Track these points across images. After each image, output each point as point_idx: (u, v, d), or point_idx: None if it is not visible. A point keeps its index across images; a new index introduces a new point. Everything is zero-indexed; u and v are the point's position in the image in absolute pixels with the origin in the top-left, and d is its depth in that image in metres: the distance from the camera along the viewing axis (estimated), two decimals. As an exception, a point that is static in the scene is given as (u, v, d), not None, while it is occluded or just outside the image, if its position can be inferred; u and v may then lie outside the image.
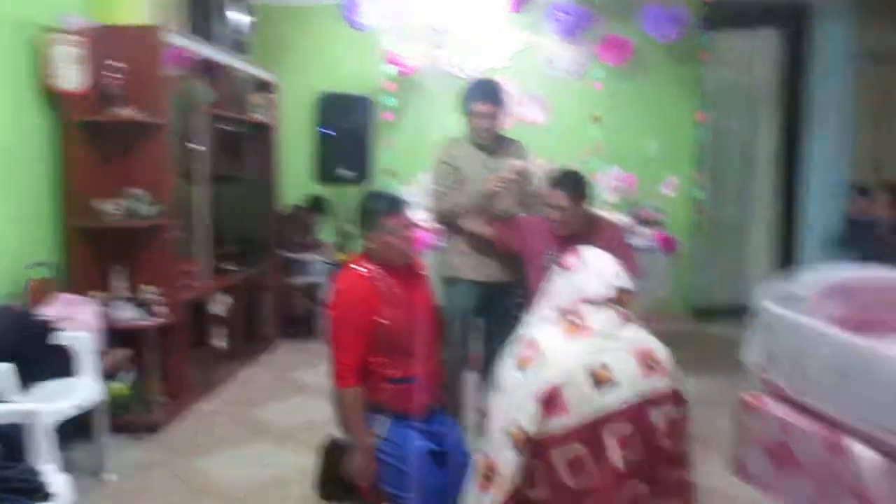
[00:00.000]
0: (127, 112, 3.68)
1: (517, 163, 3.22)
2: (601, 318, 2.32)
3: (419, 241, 4.67)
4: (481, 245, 3.33)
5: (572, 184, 3.15)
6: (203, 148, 4.26)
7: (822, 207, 5.85)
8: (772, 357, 1.39)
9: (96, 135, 3.76)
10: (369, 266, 2.69)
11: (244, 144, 5.43)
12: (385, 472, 2.65)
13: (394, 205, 2.72)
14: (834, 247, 4.86)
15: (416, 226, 2.73)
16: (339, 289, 2.69)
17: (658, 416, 2.16)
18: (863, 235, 4.49)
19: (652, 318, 2.55)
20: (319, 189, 5.58)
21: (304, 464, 3.21)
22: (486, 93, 3.34)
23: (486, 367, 3.47)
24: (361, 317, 2.60)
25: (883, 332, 1.35)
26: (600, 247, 3.11)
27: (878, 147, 5.76)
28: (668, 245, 4.64)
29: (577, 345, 2.25)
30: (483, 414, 2.81)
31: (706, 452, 3.20)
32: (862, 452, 1.23)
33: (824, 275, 1.44)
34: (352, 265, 2.74)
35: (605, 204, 5.08)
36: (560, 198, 3.10)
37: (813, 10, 5.88)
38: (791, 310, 1.42)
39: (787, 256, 6.27)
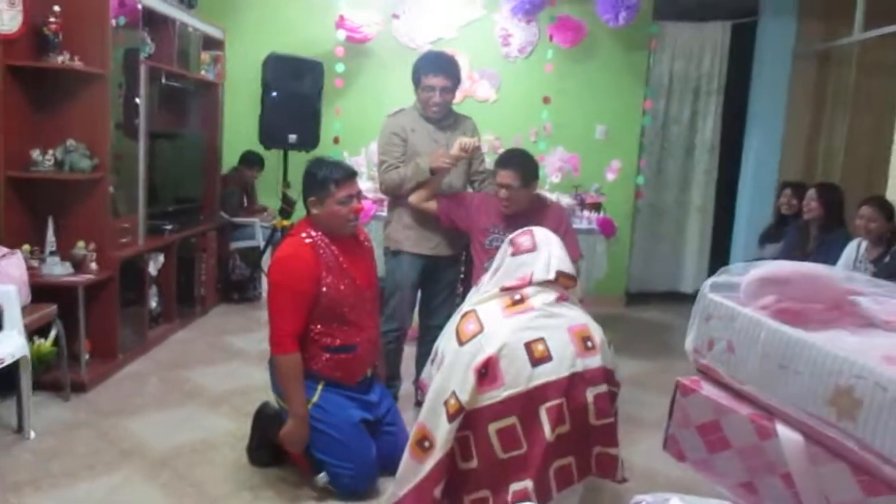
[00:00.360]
0: (65, 59, 3.53)
1: (467, 139, 3.22)
2: (541, 298, 2.36)
3: (364, 211, 4.65)
4: (426, 219, 3.34)
5: (522, 164, 3.18)
6: (143, 102, 4.12)
7: (755, 200, 6.04)
8: (709, 343, 1.46)
9: (31, 81, 3.59)
10: (313, 233, 2.67)
11: (187, 101, 5.28)
12: (315, 438, 2.67)
13: (345, 173, 2.70)
14: (761, 240, 5.03)
15: (363, 196, 2.71)
16: (281, 255, 2.67)
17: (590, 394, 2.22)
18: (789, 231, 4.65)
19: (588, 301, 2.62)
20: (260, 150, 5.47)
21: (236, 429, 3.20)
22: (439, 66, 3.31)
23: (425, 340, 3.50)
24: (302, 284, 2.59)
25: (811, 322, 1.43)
26: (546, 226, 3.17)
27: (812, 145, 5.97)
28: (607, 229, 4.73)
29: (516, 320, 2.29)
30: (422, 388, 2.84)
31: (638, 432, 3.32)
32: (786, 434, 1.31)
33: (760, 265, 1.52)
34: (295, 232, 2.71)
35: (550, 185, 5.14)
36: (510, 177, 3.13)
37: (760, 4, 6.02)
38: (728, 299, 1.50)
39: (720, 246, 6.46)
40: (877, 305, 1.52)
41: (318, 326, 2.65)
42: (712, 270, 6.26)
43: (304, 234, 2.68)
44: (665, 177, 6.45)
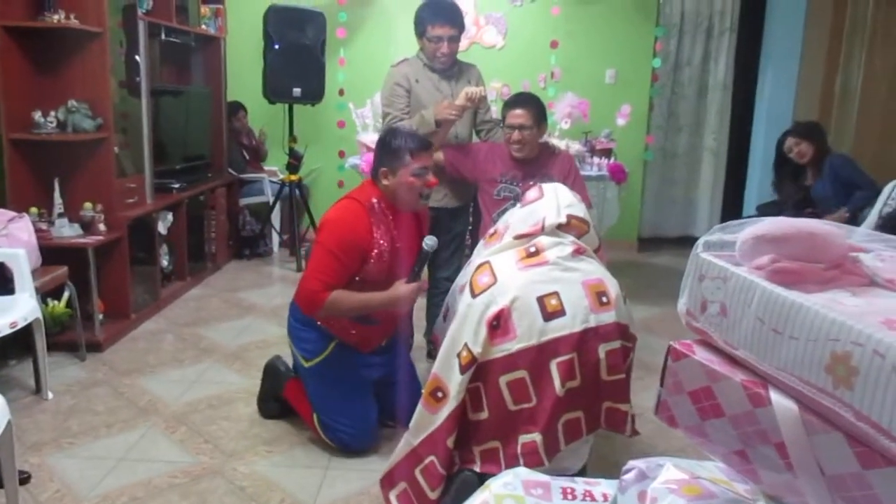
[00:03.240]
0: (61, 18, 3.48)
1: (472, 89, 3.15)
2: (557, 251, 2.32)
3: (370, 163, 4.61)
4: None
5: (533, 104, 3.14)
6: (144, 59, 4.06)
7: (770, 142, 5.93)
8: (702, 305, 1.41)
9: (30, 42, 3.55)
10: (375, 202, 2.59)
11: (189, 57, 5.22)
12: (318, 392, 2.69)
13: (421, 144, 2.60)
14: (772, 183, 4.94)
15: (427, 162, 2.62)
16: (338, 217, 2.57)
17: (602, 350, 2.18)
18: (789, 175, 4.58)
19: (604, 252, 2.57)
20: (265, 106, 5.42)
21: (250, 384, 3.23)
22: (444, 15, 3.23)
23: (434, 293, 3.50)
24: (349, 255, 2.52)
25: (810, 283, 1.38)
26: (555, 174, 3.13)
27: (828, 84, 5.81)
28: (618, 174, 4.66)
29: (530, 273, 2.26)
30: (435, 342, 2.83)
31: (649, 378, 3.33)
32: (780, 402, 1.27)
33: (756, 223, 1.46)
34: (358, 196, 2.62)
35: (560, 132, 5.06)
36: (522, 117, 3.09)
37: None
38: (722, 258, 1.45)
39: (734, 190, 6.38)
40: (880, 263, 1.46)
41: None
42: (725, 214, 6.29)
43: (366, 202, 2.58)
44: (677, 119, 6.34)
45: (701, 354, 1.50)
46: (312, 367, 2.69)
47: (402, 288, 2.57)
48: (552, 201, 2.44)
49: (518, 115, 3.10)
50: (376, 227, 2.56)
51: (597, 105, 5.29)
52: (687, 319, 1.53)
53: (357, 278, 2.57)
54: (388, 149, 2.59)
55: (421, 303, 3.58)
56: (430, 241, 2.57)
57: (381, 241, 2.57)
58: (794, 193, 4.48)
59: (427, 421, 2.28)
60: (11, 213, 3.31)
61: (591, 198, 3.65)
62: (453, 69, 3.34)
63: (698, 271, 1.54)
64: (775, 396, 1.28)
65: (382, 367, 2.80)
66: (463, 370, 2.19)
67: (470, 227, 3.67)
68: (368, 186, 2.67)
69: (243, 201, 5.72)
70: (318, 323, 2.64)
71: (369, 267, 2.56)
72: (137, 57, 4.00)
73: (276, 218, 5.75)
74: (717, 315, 1.38)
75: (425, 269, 3.45)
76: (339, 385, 2.67)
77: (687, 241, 6.38)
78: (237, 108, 5.64)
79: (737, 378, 1.35)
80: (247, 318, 4.24)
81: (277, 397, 2.92)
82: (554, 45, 5.63)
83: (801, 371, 1.20)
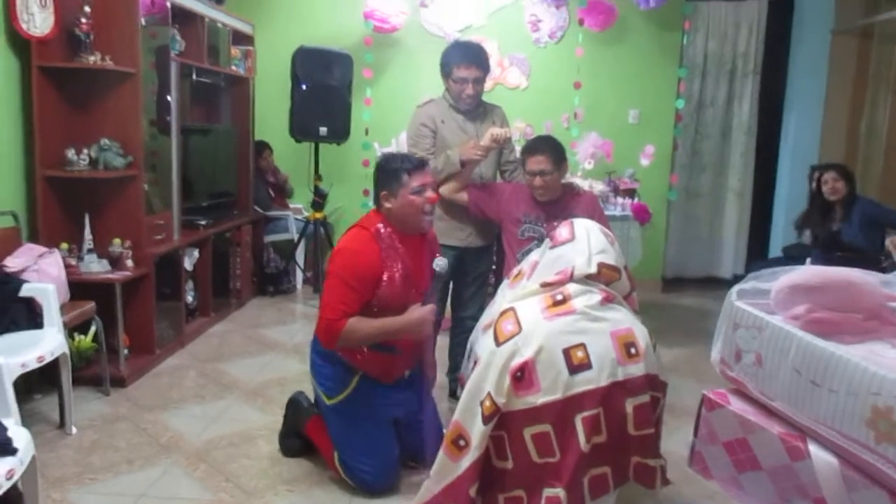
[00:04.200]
0: (96, 59, 3.57)
1: (497, 130, 3.18)
2: (584, 299, 2.27)
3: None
4: (456, 210, 3.31)
5: (551, 147, 3.15)
6: (175, 98, 4.15)
7: (795, 183, 5.91)
8: (736, 354, 1.38)
9: (65, 82, 3.64)
10: (382, 229, 2.62)
11: (219, 96, 5.32)
12: (339, 430, 2.67)
13: (418, 162, 2.66)
14: (795, 226, 4.89)
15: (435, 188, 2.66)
16: (346, 247, 2.60)
17: (630, 405, 2.13)
18: (819, 215, 4.54)
19: (635, 297, 2.51)
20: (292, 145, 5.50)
21: (272, 421, 3.22)
22: (470, 56, 3.27)
23: (457, 332, 3.49)
24: (361, 282, 2.54)
25: (847, 333, 1.35)
26: (580, 214, 3.12)
27: (853, 126, 5.79)
28: (641, 214, 4.66)
29: (556, 323, 2.21)
30: (461, 382, 2.80)
31: (675, 421, 3.26)
32: (819, 456, 1.24)
33: (790, 271, 1.43)
34: (364, 224, 2.66)
35: (583, 171, 5.07)
36: (542, 162, 3.10)
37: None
38: (757, 307, 1.42)
39: (759, 230, 6.33)
40: (920, 314, 1.43)
41: None
42: (751, 255, 6.22)
43: (372, 228, 2.61)
44: (700, 159, 6.33)
45: (736, 405, 1.46)
46: (335, 404, 2.68)
47: (417, 311, 2.58)
48: (583, 246, 2.38)
49: (538, 161, 3.11)
50: (385, 253, 2.58)
51: (620, 145, 5.31)
52: (721, 368, 1.50)
53: (374, 308, 2.57)
54: (386, 172, 2.64)
55: (443, 342, 3.57)
56: (440, 262, 2.59)
57: (392, 266, 2.58)
58: (820, 232, 4.43)
59: (448, 469, 2.25)
60: (42, 249, 3.36)
61: (615, 238, 3.64)
62: (478, 110, 3.37)
63: (732, 319, 1.52)
64: (815, 450, 1.25)
65: (404, 405, 2.78)
66: (486, 420, 2.16)
67: (494, 267, 3.67)
68: (373, 214, 2.70)
69: (268, 238, 5.77)
70: (340, 355, 2.65)
71: (382, 292, 2.56)
72: (169, 97, 4.09)
73: (300, 255, 5.79)
74: (753, 365, 1.36)
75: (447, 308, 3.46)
76: (362, 423, 2.66)
77: (711, 282, 6.35)
78: (263, 147, 5.73)
79: (774, 430, 1.32)
80: (269, 354, 4.25)
81: (299, 434, 2.91)
82: (577, 85, 5.67)
83: (841, 425, 1.16)
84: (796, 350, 1.31)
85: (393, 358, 2.69)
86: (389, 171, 2.62)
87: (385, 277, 2.57)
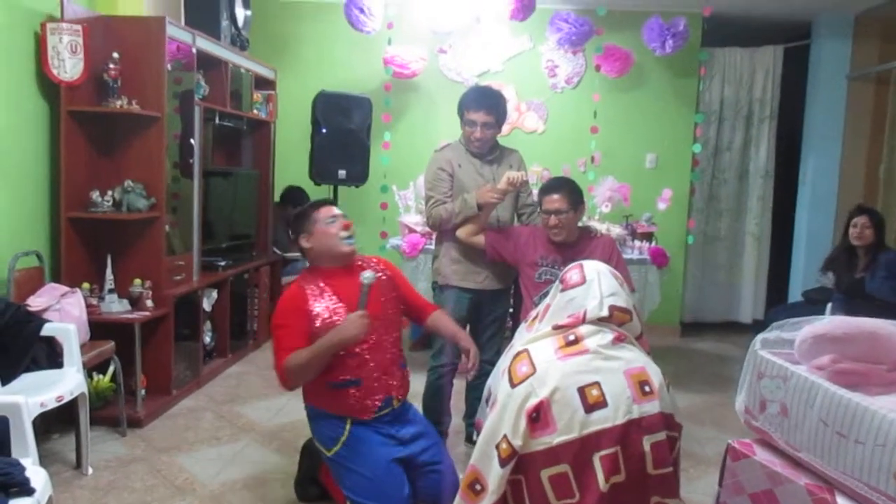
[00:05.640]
0: (123, 103, 3.67)
1: (514, 173, 3.20)
2: (597, 339, 2.27)
3: (412, 245, 4.67)
4: (473, 253, 3.33)
5: (568, 188, 3.17)
6: (198, 142, 4.23)
7: (813, 227, 5.89)
8: (761, 404, 1.37)
9: (92, 125, 3.74)
10: (308, 274, 2.74)
11: (240, 140, 5.41)
12: (347, 478, 2.64)
13: (321, 201, 2.82)
14: (821, 268, 4.85)
15: (346, 222, 2.75)
16: (279, 302, 2.70)
17: (647, 443, 2.11)
18: (844, 259, 4.50)
19: (646, 339, 2.51)
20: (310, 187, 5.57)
21: (286, 465, 3.21)
22: (481, 101, 3.31)
23: (474, 377, 3.46)
24: (289, 318, 2.60)
25: (873, 385, 1.33)
26: (597, 257, 3.11)
27: (871, 171, 5.79)
28: (659, 259, 4.64)
29: (570, 363, 2.21)
30: (478, 428, 2.77)
31: (694, 469, 3.22)
32: None
33: (815, 321, 1.42)
34: (293, 283, 2.77)
35: (600, 215, 5.08)
36: (558, 202, 3.11)
37: (813, 28, 5.92)
38: (781, 357, 1.41)
39: (778, 275, 6.29)
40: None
41: None
42: (770, 299, 6.17)
43: (299, 280, 2.73)
44: (718, 203, 6.33)
45: (762, 455, 1.44)
46: (334, 455, 2.66)
47: (348, 317, 2.57)
48: (595, 290, 2.38)
49: (554, 200, 3.13)
50: (313, 298, 2.63)
51: (637, 189, 5.32)
52: (745, 418, 1.48)
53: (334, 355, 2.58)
54: (297, 219, 2.78)
55: (459, 385, 3.56)
56: (367, 275, 2.60)
57: (323, 302, 2.63)
58: (845, 277, 4.39)
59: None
60: (65, 289, 3.41)
61: (633, 282, 3.64)
62: (494, 153, 3.41)
63: (757, 369, 1.51)
64: (843, 503, 1.22)
65: (407, 445, 2.72)
66: (503, 463, 2.14)
67: (511, 310, 3.67)
68: (303, 271, 2.81)
69: (285, 280, 5.80)
70: (316, 406, 2.69)
71: (322, 327, 2.58)
72: (192, 140, 4.17)
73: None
74: (778, 415, 1.34)
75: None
76: (364, 469, 2.61)
77: (730, 327, 6.30)
78: (302, 201, 5.76)
79: (801, 482, 1.29)
80: (285, 397, 4.23)
81: (315, 479, 2.89)
82: (594, 130, 5.71)
83: (868, 477, 1.14)
84: (822, 401, 1.30)
85: (359, 390, 2.66)
86: (299, 217, 2.77)
87: (316, 311, 2.61)
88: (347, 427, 2.65)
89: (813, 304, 4.58)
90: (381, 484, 2.62)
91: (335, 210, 2.77)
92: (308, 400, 2.73)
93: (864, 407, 1.22)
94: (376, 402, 2.70)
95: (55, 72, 3.51)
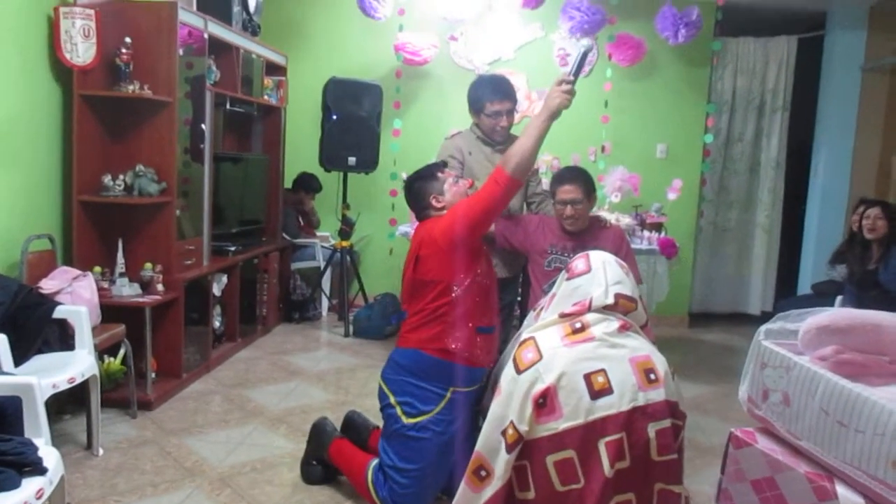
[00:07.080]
0: (135, 88, 3.68)
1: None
2: (603, 327, 2.29)
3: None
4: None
5: (582, 177, 3.17)
6: (209, 127, 4.25)
7: (824, 219, 5.86)
8: (763, 393, 1.38)
9: (104, 110, 3.75)
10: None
11: (251, 125, 5.43)
12: (400, 446, 2.58)
13: (435, 166, 2.87)
14: (829, 261, 4.83)
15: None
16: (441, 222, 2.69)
17: (652, 430, 2.13)
18: (856, 251, 4.47)
19: (651, 329, 2.52)
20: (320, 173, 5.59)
21: (293, 448, 3.23)
22: (501, 91, 3.32)
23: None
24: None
25: (874, 375, 1.34)
26: (606, 247, 3.12)
27: (885, 162, 5.75)
28: (668, 249, 4.64)
29: (576, 349, 2.22)
30: (482, 414, 2.79)
31: (700, 459, 3.23)
32: (847, 497, 1.23)
33: (818, 313, 1.43)
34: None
35: (610, 205, 5.07)
36: (573, 191, 3.12)
37: (828, 19, 5.87)
38: (784, 347, 1.42)
39: (787, 267, 6.27)
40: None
41: (471, 304, 2.60)
42: (780, 291, 6.16)
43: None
44: (728, 195, 6.31)
45: (763, 443, 1.45)
46: (415, 423, 2.57)
47: (551, 91, 2.65)
48: (600, 278, 2.39)
49: (568, 191, 3.13)
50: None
51: (647, 179, 5.31)
52: (748, 407, 1.50)
53: (476, 284, 2.61)
54: (422, 178, 2.80)
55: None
56: (585, 42, 2.62)
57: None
58: (858, 269, 4.36)
59: (470, 499, 2.24)
60: (77, 272, 3.44)
61: (641, 272, 3.64)
62: (506, 141, 3.41)
63: (760, 359, 1.52)
64: (841, 490, 1.24)
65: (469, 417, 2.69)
66: (509, 449, 2.16)
67: (519, 298, 3.67)
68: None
69: (294, 265, 5.83)
70: (437, 357, 2.58)
71: (482, 275, 2.64)
72: (203, 125, 4.18)
73: (326, 283, 5.83)
74: (780, 404, 1.35)
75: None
76: (424, 453, 2.56)
77: (738, 318, 6.29)
78: (315, 188, 5.83)
79: (801, 469, 1.31)
80: (293, 381, 4.27)
81: (320, 459, 2.91)
82: (605, 119, 5.70)
83: (867, 466, 1.16)
84: (823, 390, 1.31)
85: (492, 337, 2.68)
86: (425, 176, 2.80)
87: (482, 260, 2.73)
88: (443, 401, 2.58)
89: (822, 296, 4.57)
90: (425, 471, 2.57)
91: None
92: (428, 347, 2.58)
93: (864, 397, 1.23)
94: (491, 357, 2.71)
95: (68, 56, 3.53)
